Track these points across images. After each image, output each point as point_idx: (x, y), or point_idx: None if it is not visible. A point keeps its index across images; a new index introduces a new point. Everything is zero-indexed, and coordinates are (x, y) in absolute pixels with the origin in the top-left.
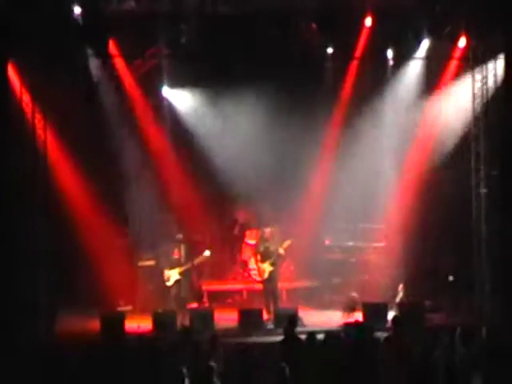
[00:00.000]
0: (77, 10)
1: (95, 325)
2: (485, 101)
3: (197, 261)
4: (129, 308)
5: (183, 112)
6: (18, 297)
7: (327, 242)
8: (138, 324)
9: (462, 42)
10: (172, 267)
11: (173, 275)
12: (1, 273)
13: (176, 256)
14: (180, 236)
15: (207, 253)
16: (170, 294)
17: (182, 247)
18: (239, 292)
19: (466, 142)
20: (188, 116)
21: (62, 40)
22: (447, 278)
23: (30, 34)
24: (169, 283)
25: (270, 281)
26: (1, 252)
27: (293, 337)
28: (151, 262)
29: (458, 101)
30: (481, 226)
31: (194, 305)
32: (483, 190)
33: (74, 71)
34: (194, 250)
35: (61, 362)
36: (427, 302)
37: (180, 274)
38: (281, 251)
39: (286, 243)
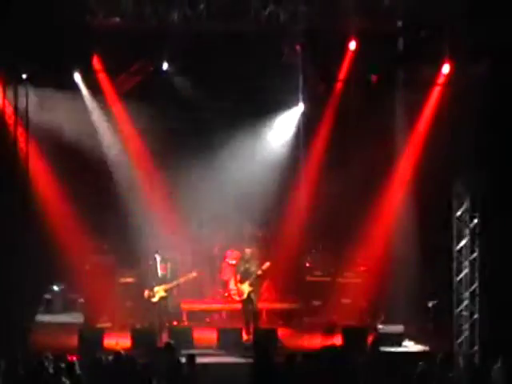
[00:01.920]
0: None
1: (73, 341)
2: None
3: (182, 280)
4: (108, 325)
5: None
6: None
7: (308, 265)
8: (117, 341)
9: (446, 68)
10: (158, 284)
11: (159, 292)
12: None
13: (163, 272)
14: (158, 254)
15: (194, 274)
16: (154, 311)
17: (169, 264)
18: (218, 311)
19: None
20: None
21: (47, 52)
22: (427, 303)
23: (14, 45)
24: (154, 299)
25: (249, 301)
26: None
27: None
28: (131, 279)
29: None
30: (462, 250)
31: (174, 323)
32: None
33: (58, 83)
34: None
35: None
36: (407, 328)
37: (165, 291)
38: (259, 272)
39: (266, 265)
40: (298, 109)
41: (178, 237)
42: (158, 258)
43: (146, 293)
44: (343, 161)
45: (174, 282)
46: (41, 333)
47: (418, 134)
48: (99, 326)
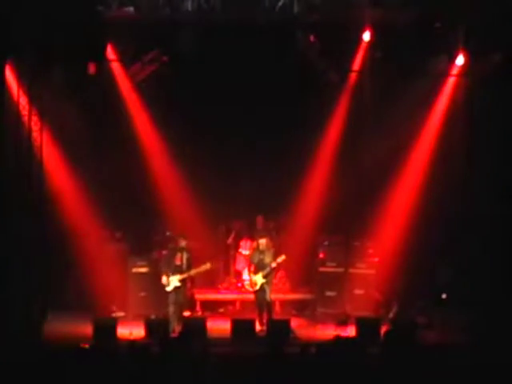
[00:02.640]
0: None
1: (87, 330)
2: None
3: (196, 271)
4: (121, 314)
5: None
6: (8, 298)
7: (321, 256)
8: (131, 331)
9: (460, 59)
10: (173, 273)
11: (173, 281)
12: None
13: (178, 262)
14: (169, 233)
15: (208, 265)
16: (168, 300)
17: (184, 254)
18: (232, 302)
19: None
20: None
21: (61, 42)
22: (441, 294)
23: (29, 36)
24: (168, 288)
25: (262, 292)
26: None
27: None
28: (144, 269)
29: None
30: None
31: (187, 313)
32: None
33: (72, 75)
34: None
35: (50, 367)
36: (420, 319)
37: (179, 281)
38: (274, 265)
39: (281, 258)
40: (312, 100)
41: (191, 227)
42: (174, 247)
43: (165, 279)
44: (356, 151)
45: (189, 273)
46: (54, 322)
47: (432, 125)
48: (113, 315)
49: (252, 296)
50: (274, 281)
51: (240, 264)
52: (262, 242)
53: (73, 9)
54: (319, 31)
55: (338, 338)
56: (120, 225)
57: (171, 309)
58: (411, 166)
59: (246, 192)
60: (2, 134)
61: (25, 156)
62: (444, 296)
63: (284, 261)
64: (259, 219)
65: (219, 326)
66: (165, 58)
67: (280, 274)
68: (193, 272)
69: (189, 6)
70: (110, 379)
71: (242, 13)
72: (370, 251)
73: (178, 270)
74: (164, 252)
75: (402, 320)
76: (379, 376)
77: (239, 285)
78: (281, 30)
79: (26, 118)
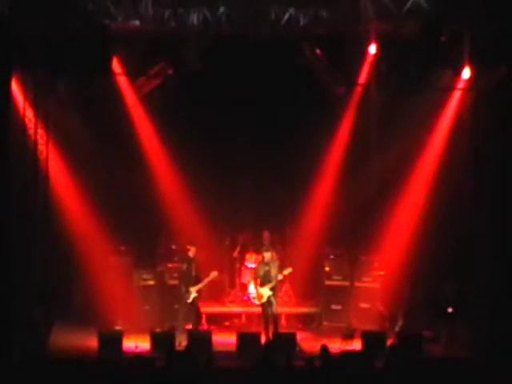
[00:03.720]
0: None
1: (92, 342)
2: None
3: (207, 280)
4: (126, 327)
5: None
6: (13, 311)
7: (327, 269)
8: (136, 343)
9: (466, 73)
10: (193, 285)
11: (192, 293)
12: None
13: (193, 273)
14: (174, 246)
15: (215, 273)
16: (183, 312)
17: (194, 264)
18: (238, 315)
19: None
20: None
21: (67, 56)
22: (446, 308)
23: (35, 49)
24: (189, 300)
25: (269, 305)
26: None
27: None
28: (150, 282)
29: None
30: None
31: (189, 326)
32: None
33: (78, 88)
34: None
35: (56, 379)
36: (426, 332)
37: (197, 291)
38: (280, 277)
39: (287, 271)
40: (317, 112)
41: (197, 240)
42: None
43: (184, 289)
44: (362, 164)
45: (203, 282)
46: (60, 335)
47: (438, 138)
48: (117, 328)
49: (258, 309)
50: (280, 294)
51: (246, 277)
52: (267, 255)
53: (79, 22)
54: (325, 44)
55: (343, 352)
56: (125, 238)
57: (192, 319)
58: (416, 180)
59: (252, 205)
60: (8, 146)
61: (31, 169)
62: (450, 310)
63: (290, 273)
64: (265, 234)
65: (225, 340)
66: (170, 71)
67: (285, 287)
68: (205, 281)
69: (194, 19)
70: None
71: (247, 25)
72: (376, 265)
73: (194, 281)
74: (173, 264)
75: (408, 334)
76: None
77: (245, 298)
78: (287, 42)
79: (32, 131)
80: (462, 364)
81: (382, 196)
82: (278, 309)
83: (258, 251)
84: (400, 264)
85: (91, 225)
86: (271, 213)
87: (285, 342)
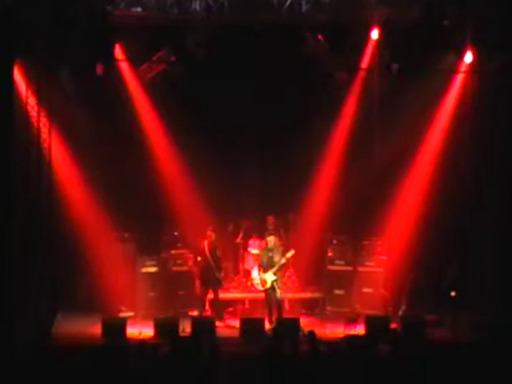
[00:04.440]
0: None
1: (96, 330)
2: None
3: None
4: (130, 314)
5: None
6: (18, 299)
7: (330, 254)
8: (140, 330)
9: (469, 56)
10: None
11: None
12: (3, 275)
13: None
14: (177, 233)
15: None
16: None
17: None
18: (241, 301)
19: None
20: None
21: (70, 43)
22: (450, 292)
23: (37, 36)
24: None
25: (273, 290)
26: (3, 254)
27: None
28: (153, 269)
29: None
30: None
31: (196, 312)
32: None
33: (81, 75)
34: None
35: (60, 367)
36: (429, 317)
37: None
38: (283, 261)
39: (290, 253)
40: (320, 98)
41: (200, 226)
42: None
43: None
44: (366, 149)
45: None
46: (64, 322)
47: (441, 123)
48: (121, 315)
49: (261, 295)
50: (283, 279)
51: (249, 263)
52: (270, 239)
53: (81, 9)
54: (327, 30)
55: (347, 337)
56: (128, 225)
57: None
58: (420, 164)
59: (255, 190)
60: (10, 134)
61: (34, 157)
62: (453, 294)
63: (293, 256)
64: (270, 219)
65: (228, 325)
66: (173, 58)
67: (289, 272)
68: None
69: (197, 5)
70: (120, 379)
71: (250, 12)
72: (379, 249)
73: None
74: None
75: (412, 318)
76: (389, 373)
77: (248, 284)
78: (289, 29)
79: (34, 119)
80: (466, 348)
81: (385, 181)
82: (281, 294)
83: (262, 237)
84: (403, 248)
85: (95, 212)
86: (274, 198)
87: (289, 328)
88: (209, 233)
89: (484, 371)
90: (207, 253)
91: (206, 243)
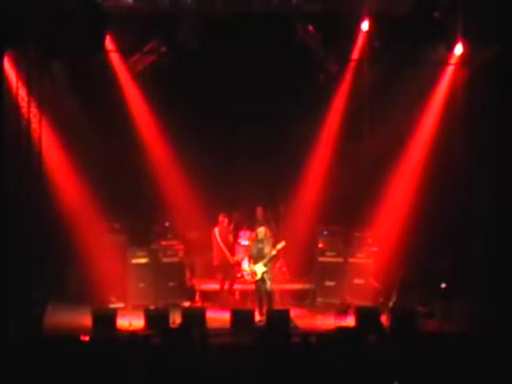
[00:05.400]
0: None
1: (86, 321)
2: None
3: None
4: (120, 305)
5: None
6: (8, 290)
7: (321, 245)
8: (130, 322)
9: (459, 48)
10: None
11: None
12: None
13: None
14: (168, 223)
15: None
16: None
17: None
18: (232, 292)
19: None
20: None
21: (60, 33)
22: (440, 284)
23: (28, 27)
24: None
25: (263, 282)
26: None
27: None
28: (144, 260)
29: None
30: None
31: (187, 303)
32: None
33: (71, 65)
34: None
35: (50, 357)
36: (420, 308)
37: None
38: (274, 252)
39: (281, 245)
40: (311, 89)
41: (191, 217)
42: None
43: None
44: (356, 141)
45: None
46: (54, 313)
47: (432, 114)
48: (112, 306)
49: (251, 286)
50: (274, 271)
51: (239, 254)
52: (261, 230)
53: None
54: (318, 21)
55: (338, 328)
56: (119, 216)
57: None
58: (411, 156)
59: (246, 182)
60: (0, 125)
61: (24, 147)
62: (443, 285)
63: (283, 248)
64: (259, 210)
65: (219, 317)
66: (164, 49)
67: (279, 263)
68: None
69: None
70: (110, 370)
71: (240, 3)
72: (369, 241)
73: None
74: (167, 242)
75: (402, 309)
76: (380, 364)
77: (239, 275)
78: (280, 19)
79: (25, 110)
80: (456, 339)
81: (375, 172)
82: (272, 285)
83: (252, 228)
84: (394, 240)
85: (85, 203)
86: (265, 190)
87: (279, 319)
88: (221, 218)
89: (474, 362)
90: (219, 240)
91: (216, 231)
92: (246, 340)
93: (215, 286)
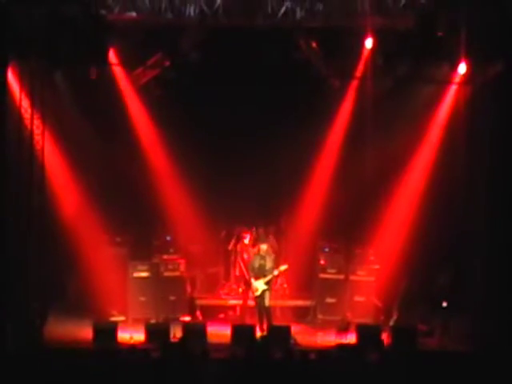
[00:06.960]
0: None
1: (87, 333)
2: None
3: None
4: (121, 318)
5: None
6: (8, 302)
7: (322, 262)
8: (131, 335)
9: (462, 67)
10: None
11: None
12: None
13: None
14: (169, 237)
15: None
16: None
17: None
18: (233, 307)
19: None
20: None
21: (64, 46)
22: (441, 302)
23: (32, 39)
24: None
25: (263, 298)
26: None
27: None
28: (145, 274)
29: None
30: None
31: (187, 318)
32: None
33: (74, 78)
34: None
35: (51, 370)
36: (421, 326)
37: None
38: (276, 273)
39: (284, 267)
40: (313, 105)
41: (192, 232)
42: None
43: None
44: (358, 157)
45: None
46: (55, 326)
47: (434, 132)
48: (113, 319)
49: (252, 302)
50: (274, 287)
51: (241, 270)
52: (263, 247)
53: (76, 12)
54: (321, 37)
55: (338, 345)
56: (120, 229)
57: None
58: (412, 173)
59: (247, 197)
60: (3, 136)
61: (26, 159)
62: (445, 304)
63: (286, 271)
64: (260, 231)
65: (219, 332)
66: (167, 62)
67: (280, 280)
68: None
69: (191, 10)
70: (111, 382)
71: (244, 17)
72: (371, 258)
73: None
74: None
75: (403, 327)
76: (380, 382)
77: (240, 290)
78: (283, 35)
79: (28, 121)
80: (457, 357)
81: (377, 189)
82: (272, 302)
83: (255, 243)
84: (395, 257)
85: (87, 215)
86: (266, 206)
87: (280, 335)
88: (244, 234)
89: (475, 380)
90: (240, 258)
91: (239, 247)
92: (246, 355)
93: (217, 301)
